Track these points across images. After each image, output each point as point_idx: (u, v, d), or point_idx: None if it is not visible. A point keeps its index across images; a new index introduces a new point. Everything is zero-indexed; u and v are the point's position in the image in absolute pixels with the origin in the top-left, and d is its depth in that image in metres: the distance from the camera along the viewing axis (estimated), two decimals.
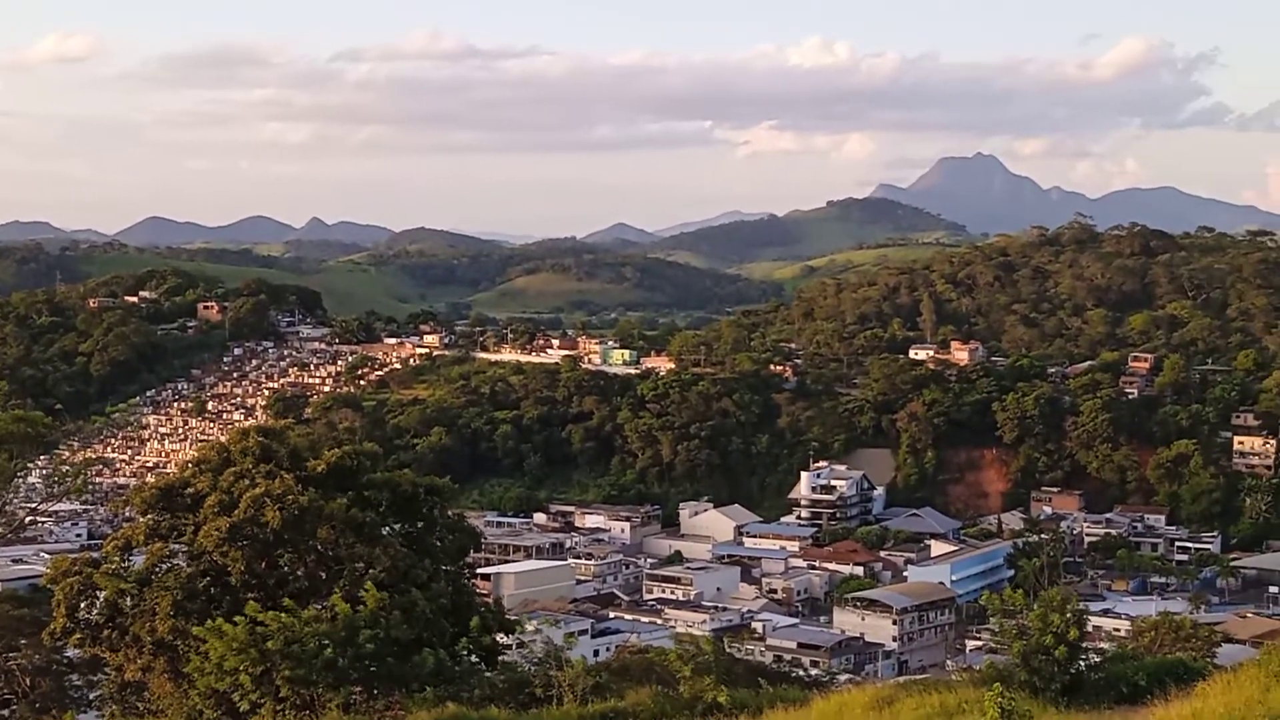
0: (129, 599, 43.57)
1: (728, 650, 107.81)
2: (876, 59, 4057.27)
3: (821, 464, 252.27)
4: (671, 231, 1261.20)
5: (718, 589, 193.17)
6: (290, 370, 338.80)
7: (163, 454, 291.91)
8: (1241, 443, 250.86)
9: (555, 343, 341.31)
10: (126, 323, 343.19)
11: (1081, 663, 33.10)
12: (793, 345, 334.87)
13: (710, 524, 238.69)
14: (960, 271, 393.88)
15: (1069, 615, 33.32)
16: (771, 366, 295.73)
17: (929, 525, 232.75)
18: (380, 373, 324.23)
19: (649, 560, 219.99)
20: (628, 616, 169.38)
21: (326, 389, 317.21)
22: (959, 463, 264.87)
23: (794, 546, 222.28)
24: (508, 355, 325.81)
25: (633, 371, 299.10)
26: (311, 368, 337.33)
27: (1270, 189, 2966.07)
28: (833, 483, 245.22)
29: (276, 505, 42.10)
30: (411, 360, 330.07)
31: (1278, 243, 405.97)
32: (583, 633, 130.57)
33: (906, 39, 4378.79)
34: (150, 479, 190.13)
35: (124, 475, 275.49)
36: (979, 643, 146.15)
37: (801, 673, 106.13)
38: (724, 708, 32.68)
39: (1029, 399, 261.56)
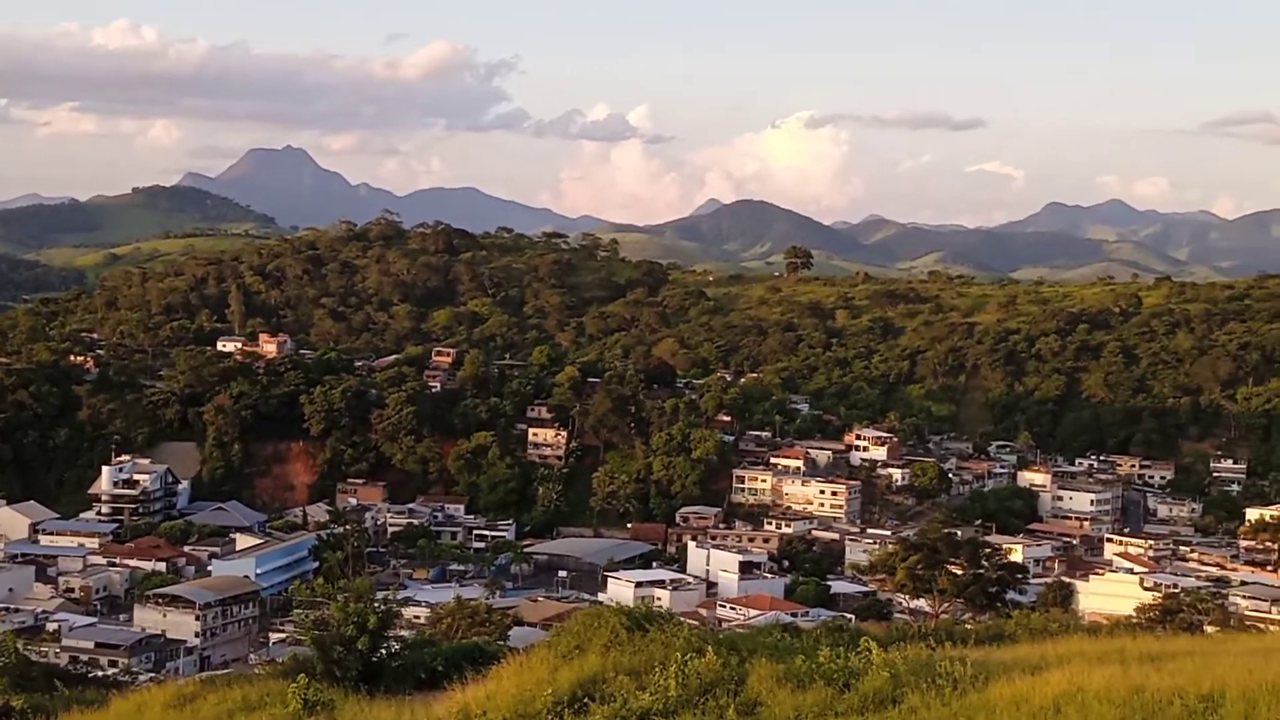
0: None
1: (23, 652, 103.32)
2: (186, 45, 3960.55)
3: (124, 458, 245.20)
4: None
5: (10, 589, 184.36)
6: None
7: None
8: (536, 434, 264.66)
9: None
10: None
11: (382, 650, 34.52)
12: (95, 335, 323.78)
13: (3, 522, 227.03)
14: (270, 264, 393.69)
15: (370, 604, 34.72)
16: (71, 357, 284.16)
17: (235, 519, 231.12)
18: None
19: None
20: None
21: None
22: (266, 455, 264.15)
23: (93, 543, 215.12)
24: None
25: None
26: None
27: (564, 193, 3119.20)
28: (135, 477, 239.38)
29: None
30: None
31: (570, 245, 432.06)
32: None
33: (218, 27, 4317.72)
34: None
35: None
36: (283, 635, 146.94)
37: (100, 673, 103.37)
38: (17, 712, 31.82)
39: (336, 392, 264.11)
